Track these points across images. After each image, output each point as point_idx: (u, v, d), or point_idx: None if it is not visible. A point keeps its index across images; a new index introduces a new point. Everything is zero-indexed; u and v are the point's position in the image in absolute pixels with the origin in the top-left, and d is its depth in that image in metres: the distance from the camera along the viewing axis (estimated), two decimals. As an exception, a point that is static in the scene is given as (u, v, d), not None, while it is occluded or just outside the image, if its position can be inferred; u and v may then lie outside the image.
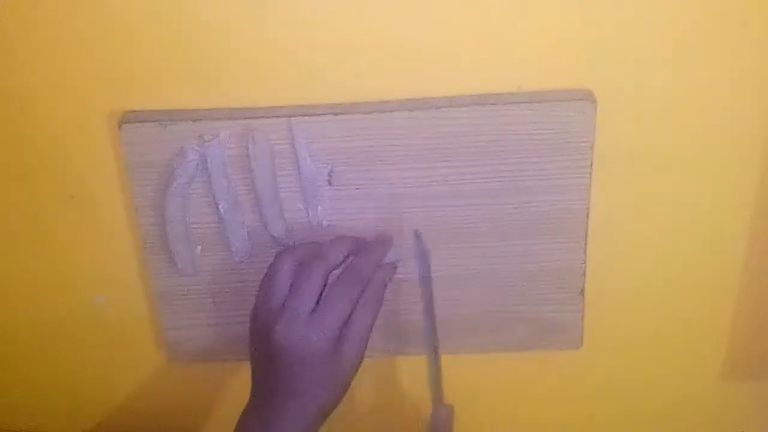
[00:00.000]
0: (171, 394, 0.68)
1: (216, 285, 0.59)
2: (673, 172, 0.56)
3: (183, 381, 0.67)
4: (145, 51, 0.53)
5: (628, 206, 0.58)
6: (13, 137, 0.56)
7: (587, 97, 0.52)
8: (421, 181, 0.55)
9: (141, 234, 0.57)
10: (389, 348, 0.61)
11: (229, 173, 0.55)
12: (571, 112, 0.52)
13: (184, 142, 0.54)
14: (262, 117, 0.53)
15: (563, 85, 0.53)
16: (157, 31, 0.52)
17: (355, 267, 0.51)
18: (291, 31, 0.52)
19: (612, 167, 0.55)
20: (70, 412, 0.70)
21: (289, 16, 0.51)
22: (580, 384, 0.66)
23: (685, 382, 0.65)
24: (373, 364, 0.57)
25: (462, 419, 0.64)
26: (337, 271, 0.51)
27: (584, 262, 0.57)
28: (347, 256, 0.52)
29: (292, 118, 0.53)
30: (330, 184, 0.55)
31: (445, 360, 0.60)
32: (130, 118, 0.54)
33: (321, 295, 0.50)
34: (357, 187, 0.55)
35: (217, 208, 0.55)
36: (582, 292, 0.58)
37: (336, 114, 0.53)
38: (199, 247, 0.58)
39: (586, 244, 0.57)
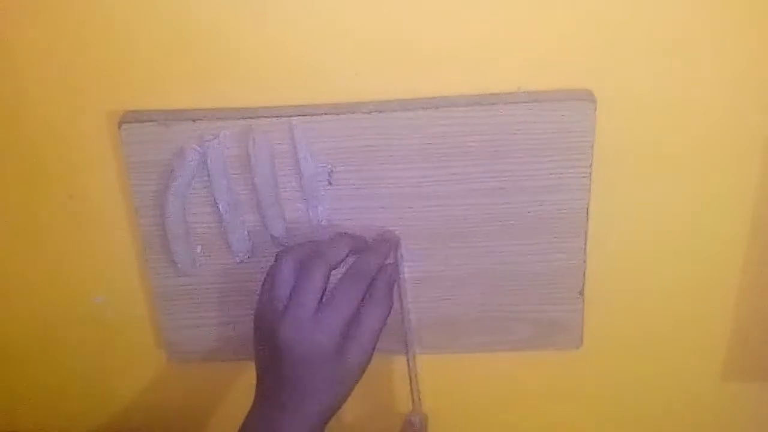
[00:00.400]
0: (171, 394, 0.68)
1: (216, 285, 0.59)
2: (673, 172, 0.56)
3: (183, 381, 0.67)
4: (145, 51, 0.53)
5: (628, 206, 0.57)
6: (13, 137, 0.56)
7: (587, 97, 0.52)
8: (421, 181, 0.55)
9: (141, 234, 0.57)
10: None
11: (229, 173, 0.55)
12: (571, 112, 0.52)
13: (184, 142, 0.54)
14: (262, 117, 0.53)
15: (563, 85, 0.53)
16: (157, 31, 0.52)
17: (358, 265, 0.51)
18: (291, 31, 0.52)
19: (612, 167, 0.55)
20: (70, 412, 0.70)
21: (289, 16, 0.51)
22: (580, 384, 0.66)
23: (685, 382, 0.65)
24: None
25: (462, 419, 0.64)
26: (341, 269, 0.51)
27: (584, 262, 0.57)
28: (349, 254, 0.52)
29: (292, 118, 0.53)
30: (330, 184, 0.55)
31: (445, 359, 0.60)
32: (130, 118, 0.54)
33: (325, 292, 0.50)
34: (357, 187, 0.55)
35: (217, 208, 0.55)
36: (582, 292, 0.58)
37: (336, 114, 0.53)
38: (199, 247, 0.58)
39: (586, 244, 0.57)
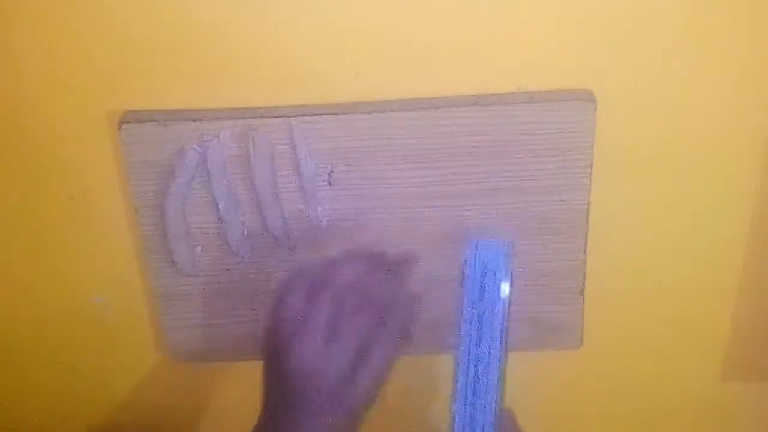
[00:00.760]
0: (171, 394, 0.68)
1: (216, 285, 0.59)
2: (673, 172, 0.56)
3: (183, 381, 0.67)
4: (145, 51, 0.53)
5: (628, 206, 0.58)
6: (13, 137, 0.56)
7: (587, 97, 0.52)
8: (421, 181, 0.55)
9: (141, 234, 0.57)
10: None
11: (229, 173, 0.55)
12: (571, 112, 0.52)
13: (184, 142, 0.54)
14: (262, 117, 0.53)
15: (563, 85, 0.53)
16: (157, 31, 0.52)
17: (367, 292, 0.50)
18: (291, 31, 0.52)
19: (612, 167, 0.55)
20: (70, 412, 0.70)
21: (289, 16, 0.51)
22: (580, 384, 0.66)
23: (685, 382, 0.65)
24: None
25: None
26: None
27: (584, 262, 0.57)
28: (363, 274, 0.50)
29: (292, 118, 0.53)
30: (330, 184, 0.55)
31: (445, 359, 0.60)
32: (130, 118, 0.54)
33: (336, 314, 0.48)
34: (357, 187, 0.55)
35: (217, 208, 0.56)
36: (582, 292, 0.58)
37: (336, 114, 0.53)
38: (199, 247, 0.58)
39: (586, 244, 0.57)
